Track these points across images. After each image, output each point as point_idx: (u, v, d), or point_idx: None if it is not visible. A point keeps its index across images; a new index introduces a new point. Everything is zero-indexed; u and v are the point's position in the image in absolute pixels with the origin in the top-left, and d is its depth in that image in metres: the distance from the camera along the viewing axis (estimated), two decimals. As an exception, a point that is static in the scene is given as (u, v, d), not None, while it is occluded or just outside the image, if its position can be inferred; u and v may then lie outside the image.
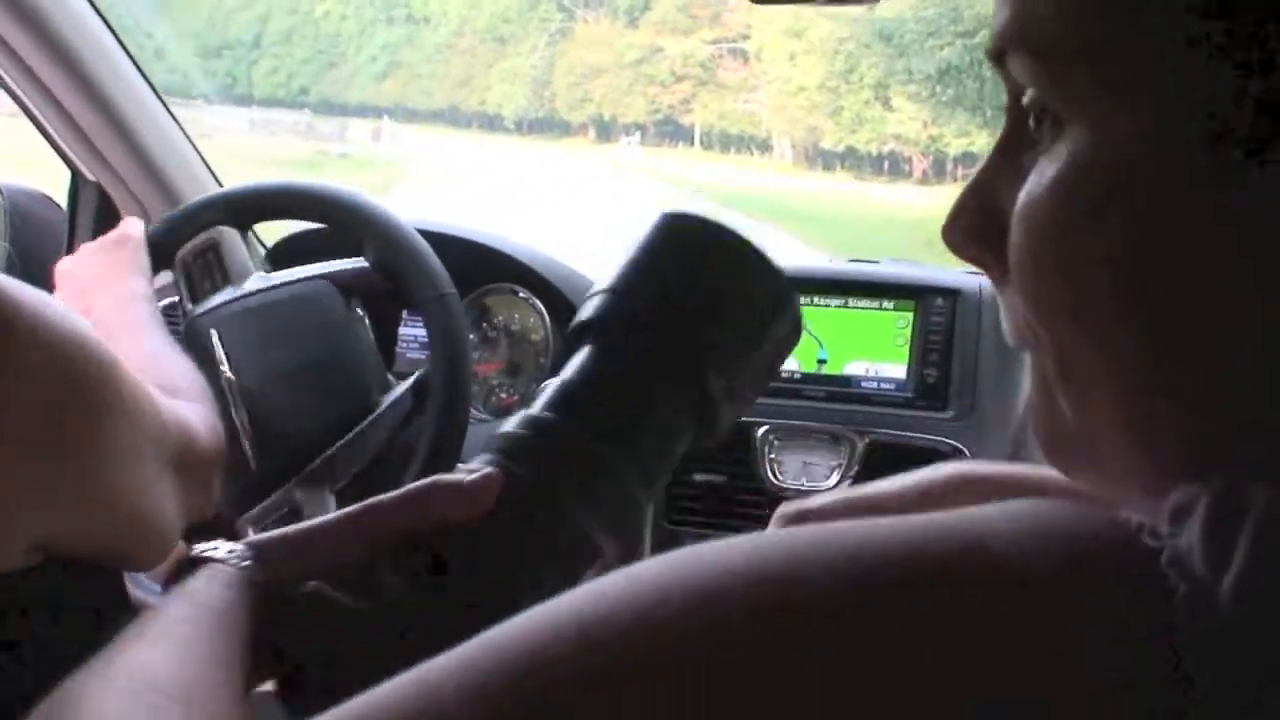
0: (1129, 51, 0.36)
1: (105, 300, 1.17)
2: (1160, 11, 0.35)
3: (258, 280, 1.33)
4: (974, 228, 0.43)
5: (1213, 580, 0.31)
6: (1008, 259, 0.40)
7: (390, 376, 1.38)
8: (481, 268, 1.57)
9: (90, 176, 1.56)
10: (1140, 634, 0.32)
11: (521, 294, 1.58)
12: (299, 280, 1.33)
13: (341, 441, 1.26)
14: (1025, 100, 0.40)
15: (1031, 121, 0.40)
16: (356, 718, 0.34)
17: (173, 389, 0.97)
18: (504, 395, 1.59)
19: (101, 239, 1.28)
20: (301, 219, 1.48)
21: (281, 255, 1.53)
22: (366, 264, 1.32)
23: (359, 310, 1.38)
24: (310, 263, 1.36)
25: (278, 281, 1.33)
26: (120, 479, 0.80)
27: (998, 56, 0.40)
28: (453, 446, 1.27)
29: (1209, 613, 0.31)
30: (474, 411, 1.54)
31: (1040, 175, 0.38)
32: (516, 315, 1.59)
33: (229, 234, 1.34)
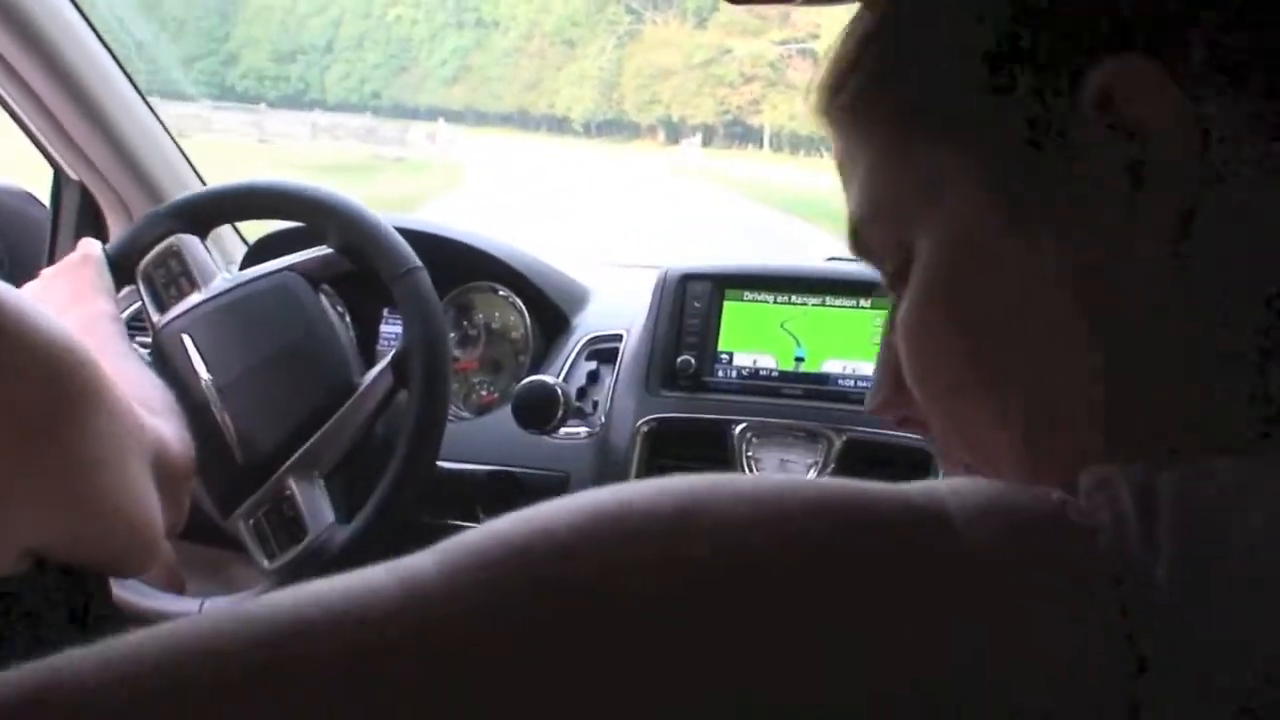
0: (934, 178, 0.43)
1: (71, 322, 1.17)
2: (940, 145, 0.43)
3: (224, 280, 1.32)
4: (886, 391, 0.49)
5: (1149, 563, 0.33)
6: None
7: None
8: (461, 266, 1.56)
9: (73, 175, 1.56)
10: (1093, 615, 0.33)
11: (501, 292, 1.57)
12: (266, 275, 1.32)
13: (325, 426, 1.26)
14: (889, 269, 0.46)
15: (892, 284, 0.47)
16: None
17: (144, 406, 0.97)
18: (484, 393, 1.57)
19: (61, 261, 1.28)
20: (260, 218, 1.48)
21: (259, 254, 1.53)
22: (331, 250, 1.31)
23: (330, 299, 1.38)
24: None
25: (245, 279, 1.32)
26: (107, 480, 0.79)
27: (857, 243, 0.48)
28: (437, 420, 1.26)
29: (1151, 595, 0.33)
30: (455, 409, 1.53)
31: (902, 306, 0.45)
32: (497, 313, 1.58)
33: (189, 240, 1.33)
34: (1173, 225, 0.38)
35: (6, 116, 1.49)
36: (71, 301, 1.19)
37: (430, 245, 1.35)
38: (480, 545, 0.36)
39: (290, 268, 1.32)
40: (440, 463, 1.34)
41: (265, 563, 1.25)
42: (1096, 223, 0.39)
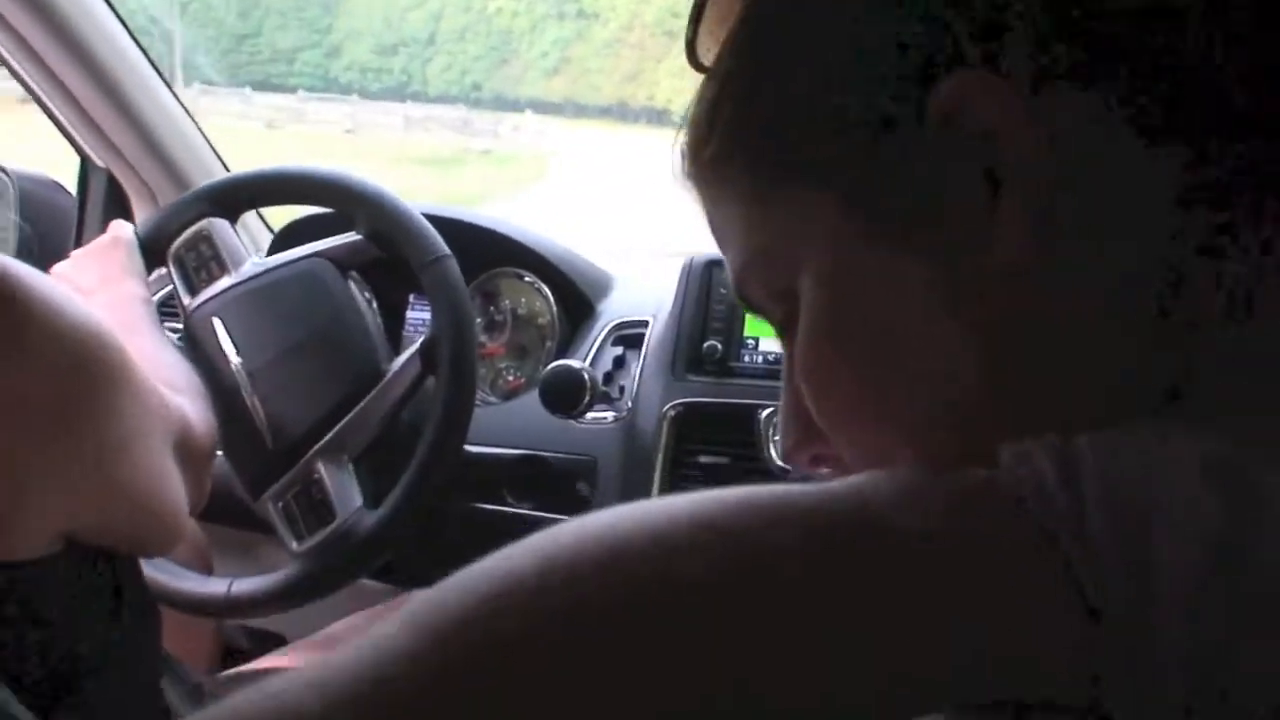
0: (801, 219, 0.45)
1: (100, 303, 1.17)
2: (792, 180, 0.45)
3: (254, 265, 1.32)
4: (798, 437, 0.50)
5: (1079, 518, 0.34)
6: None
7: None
8: (488, 252, 1.56)
9: (100, 163, 1.57)
10: (1038, 573, 0.34)
11: (528, 278, 1.57)
12: (295, 260, 1.32)
13: (353, 411, 1.26)
14: (777, 318, 0.48)
15: (784, 331, 0.48)
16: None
17: (169, 386, 0.97)
18: (511, 378, 1.57)
19: (92, 243, 1.28)
20: (290, 203, 1.48)
21: (285, 241, 1.53)
22: (360, 237, 1.31)
23: (358, 285, 1.37)
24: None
25: (275, 264, 1.32)
26: (136, 461, 0.80)
27: (740, 289, 0.49)
28: (464, 406, 1.25)
29: (1088, 547, 0.34)
30: (482, 394, 1.53)
31: (796, 348, 0.46)
32: (523, 299, 1.58)
33: (219, 224, 1.34)
34: (1034, 223, 0.39)
35: (33, 106, 1.50)
36: (101, 282, 1.20)
37: (457, 231, 1.35)
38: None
39: (319, 254, 1.32)
40: (468, 447, 1.34)
41: (294, 544, 1.25)
42: (958, 231, 0.40)
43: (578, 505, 1.38)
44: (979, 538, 0.36)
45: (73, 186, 1.61)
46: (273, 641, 1.28)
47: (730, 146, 0.47)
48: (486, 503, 1.42)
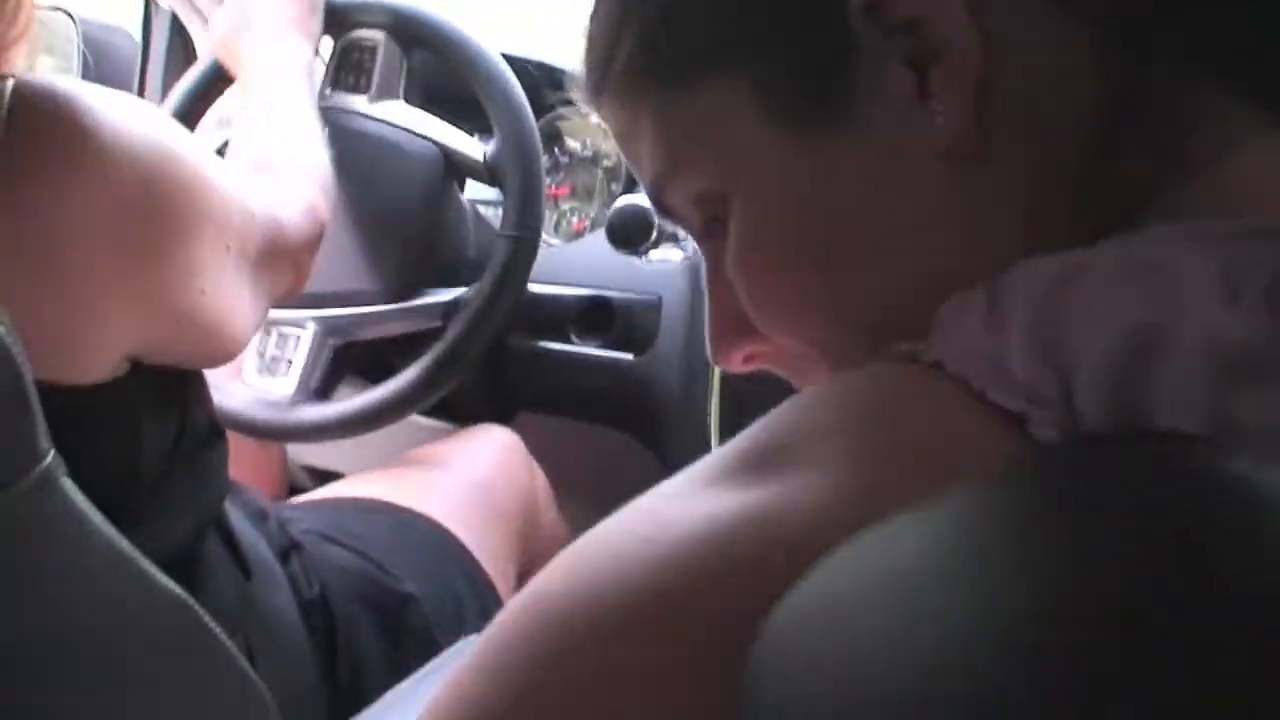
0: (721, 119, 0.44)
1: (271, 49, 1.17)
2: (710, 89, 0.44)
3: (394, 108, 1.32)
4: (729, 336, 0.50)
5: (1003, 348, 0.34)
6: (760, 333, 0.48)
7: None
8: (556, 92, 1.52)
9: (163, 4, 1.55)
10: (966, 422, 0.34)
11: (594, 118, 1.53)
12: (423, 136, 1.32)
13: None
14: (697, 224, 0.48)
15: (706, 236, 0.49)
16: None
17: (290, 166, 0.97)
18: (575, 220, 1.56)
19: None
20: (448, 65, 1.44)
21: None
22: (478, 159, 1.32)
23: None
24: (441, 96, 1.37)
25: (405, 124, 1.32)
26: (204, 286, 0.79)
27: (659, 200, 0.49)
28: (530, 234, 1.27)
29: (1009, 378, 0.33)
30: (546, 236, 1.52)
31: (730, 249, 0.46)
32: (589, 139, 1.55)
33: (391, 48, 1.32)
34: (966, 104, 0.39)
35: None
36: (281, 27, 1.19)
37: (526, 70, 1.33)
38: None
39: (442, 146, 1.32)
40: (532, 286, 1.33)
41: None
42: (891, 116, 0.41)
43: (643, 343, 1.37)
44: (908, 409, 0.35)
45: (137, 32, 1.60)
46: (334, 479, 1.30)
47: (637, 53, 0.47)
48: (551, 341, 1.41)
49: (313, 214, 0.96)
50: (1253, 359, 0.30)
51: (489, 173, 1.29)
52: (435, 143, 1.32)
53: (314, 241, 0.97)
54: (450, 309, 1.27)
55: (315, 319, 1.28)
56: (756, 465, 0.35)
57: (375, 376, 1.28)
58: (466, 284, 1.29)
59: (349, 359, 1.32)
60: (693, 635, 0.32)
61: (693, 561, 0.33)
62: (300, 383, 1.28)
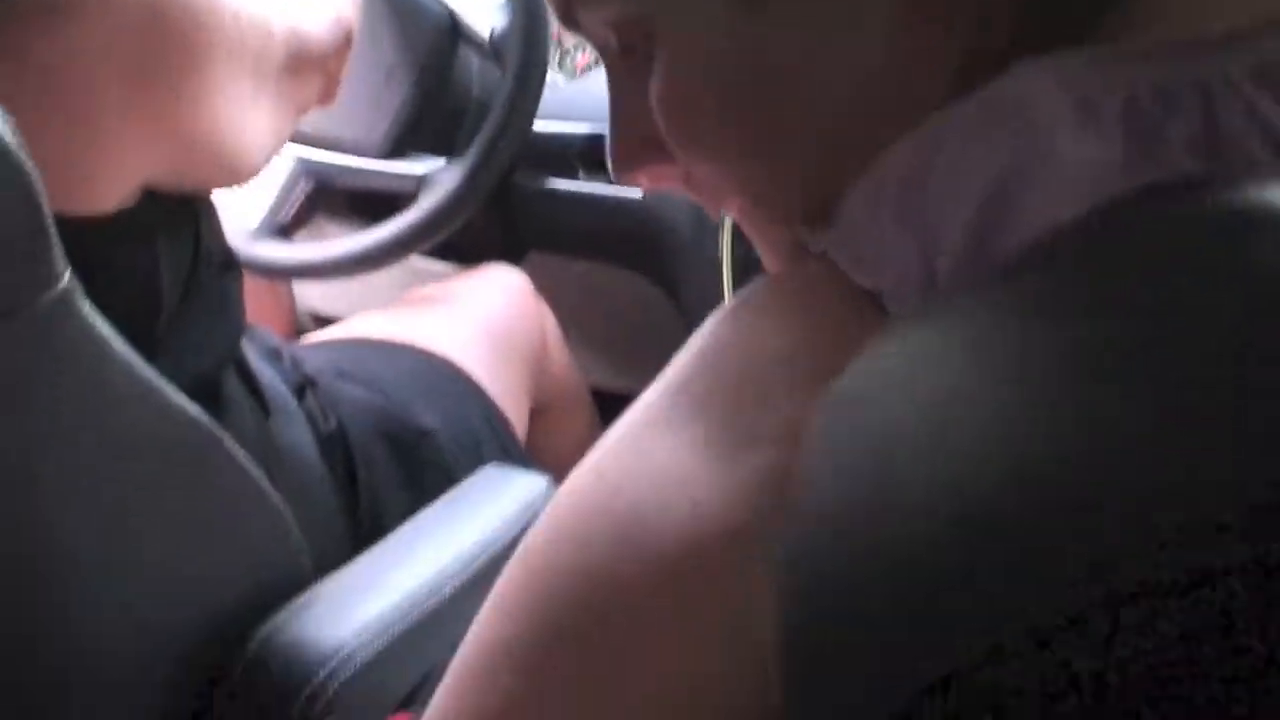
0: None
1: None
2: None
3: None
4: (635, 155, 0.47)
5: (949, 215, 0.34)
6: (671, 155, 0.45)
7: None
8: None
9: None
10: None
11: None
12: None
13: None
14: (613, 46, 0.45)
15: (619, 56, 0.45)
16: None
17: None
18: (580, 56, 1.53)
19: None
20: None
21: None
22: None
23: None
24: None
25: None
26: (217, 112, 0.78)
27: (567, 17, 0.45)
28: (536, 61, 1.26)
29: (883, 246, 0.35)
30: (551, 73, 1.49)
31: (656, 80, 0.42)
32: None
33: None
34: None
35: None
36: None
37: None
38: None
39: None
40: (538, 125, 1.32)
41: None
42: None
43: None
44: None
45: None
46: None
47: None
48: (559, 178, 1.40)
49: (339, 24, 0.94)
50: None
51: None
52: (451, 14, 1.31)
53: (343, 50, 0.95)
54: (425, 182, 1.26)
55: (297, 158, 1.27)
56: (736, 413, 0.36)
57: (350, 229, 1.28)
58: (453, 156, 1.28)
59: (320, 205, 1.31)
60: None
61: (710, 540, 0.33)
62: (268, 215, 1.27)
